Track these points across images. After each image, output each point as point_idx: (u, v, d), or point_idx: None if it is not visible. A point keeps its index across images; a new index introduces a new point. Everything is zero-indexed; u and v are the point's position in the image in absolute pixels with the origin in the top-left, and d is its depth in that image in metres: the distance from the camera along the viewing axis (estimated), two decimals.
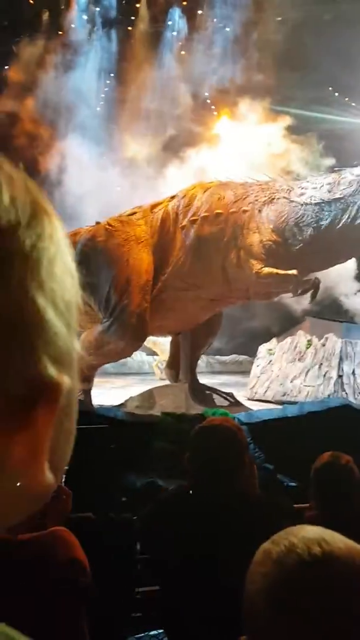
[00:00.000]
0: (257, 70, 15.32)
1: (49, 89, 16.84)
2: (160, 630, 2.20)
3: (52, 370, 0.34)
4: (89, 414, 5.92)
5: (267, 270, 7.16)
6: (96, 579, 1.71)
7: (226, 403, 8.06)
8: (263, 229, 7.33)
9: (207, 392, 8.38)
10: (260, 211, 7.44)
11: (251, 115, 14.14)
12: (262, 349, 12.65)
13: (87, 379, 7.74)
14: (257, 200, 7.53)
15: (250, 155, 12.46)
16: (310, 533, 0.81)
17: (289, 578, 0.77)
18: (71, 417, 0.38)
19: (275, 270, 7.10)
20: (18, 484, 0.33)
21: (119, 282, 7.27)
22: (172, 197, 8.02)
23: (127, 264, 7.34)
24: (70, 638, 1.49)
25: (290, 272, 7.04)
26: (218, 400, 8.18)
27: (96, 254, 7.41)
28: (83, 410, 6.06)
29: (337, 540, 0.80)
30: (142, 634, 2.62)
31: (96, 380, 8.20)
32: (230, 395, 8.47)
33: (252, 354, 13.79)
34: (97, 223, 7.94)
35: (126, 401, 7.98)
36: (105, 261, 7.37)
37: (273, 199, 7.49)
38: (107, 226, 7.67)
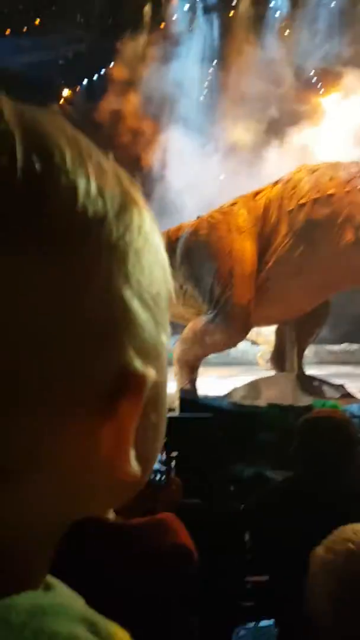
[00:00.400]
0: None
1: (152, 83, 17.13)
2: (271, 621, 2.18)
3: (137, 363, 0.34)
4: (194, 403, 5.99)
5: None
6: (204, 566, 1.72)
7: (337, 395, 7.78)
8: None
9: (316, 383, 8.16)
10: None
11: (358, 89, 13.44)
12: None
13: (192, 369, 7.86)
14: None
15: (356, 130, 11.88)
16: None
17: (353, 583, 0.76)
18: (159, 410, 0.38)
19: None
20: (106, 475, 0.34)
21: (222, 274, 7.28)
22: (275, 183, 7.87)
23: (229, 255, 7.33)
24: (177, 625, 1.52)
25: None
26: (328, 392, 7.92)
27: (199, 248, 7.47)
28: (188, 400, 6.15)
29: None
30: (252, 625, 2.61)
31: (200, 370, 8.29)
32: (341, 386, 8.18)
33: None
34: (199, 217, 8.00)
35: (231, 391, 7.98)
36: (208, 254, 7.41)
37: None
38: (209, 219, 7.72)
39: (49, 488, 0.34)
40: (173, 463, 2.20)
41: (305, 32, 15.98)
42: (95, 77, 19.57)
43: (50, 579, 0.38)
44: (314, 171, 7.57)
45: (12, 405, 0.31)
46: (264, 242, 7.48)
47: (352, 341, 17.60)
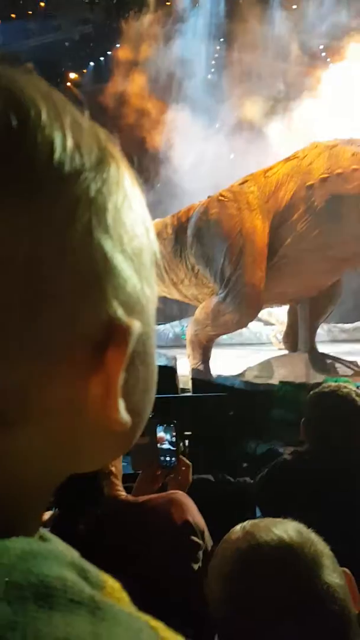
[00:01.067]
0: None
1: (159, 63, 16.92)
2: None
3: (122, 314, 0.35)
4: (208, 383, 6.01)
5: None
6: (215, 542, 1.73)
7: (350, 372, 7.76)
8: None
9: (329, 360, 8.14)
10: None
11: None
12: None
13: (205, 350, 7.86)
14: None
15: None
16: (238, 533, 0.82)
17: (232, 584, 0.78)
18: (146, 363, 0.39)
19: None
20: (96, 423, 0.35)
21: (233, 253, 7.23)
22: (288, 159, 7.77)
23: (240, 233, 7.27)
24: (191, 602, 1.53)
25: None
26: (342, 369, 7.90)
27: (209, 227, 7.42)
28: (202, 380, 6.17)
29: (263, 527, 0.80)
30: None
31: (214, 350, 8.30)
32: (355, 364, 8.15)
33: None
34: (209, 197, 7.93)
35: (245, 371, 7.98)
36: (219, 233, 7.35)
37: None
38: (219, 198, 7.63)
39: (40, 440, 0.34)
40: (186, 442, 2.20)
41: (312, 5, 15.60)
42: (102, 59, 19.39)
43: (46, 533, 0.39)
44: (331, 147, 7.48)
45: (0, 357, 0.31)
46: (278, 219, 7.39)
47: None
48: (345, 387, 1.91)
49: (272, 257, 7.41)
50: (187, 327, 8.31)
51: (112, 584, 0.37)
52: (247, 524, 0.86)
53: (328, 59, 16.08)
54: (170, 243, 7.81)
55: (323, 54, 16.52)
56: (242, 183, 7.74)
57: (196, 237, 7.52)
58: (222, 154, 14.33)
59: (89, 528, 1.56)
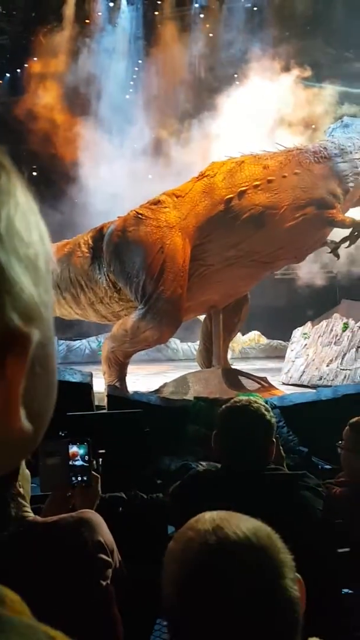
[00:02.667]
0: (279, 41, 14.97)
1: (74, 79, 16.85)
2: None
3: (19, 323, 0.34)
4: (123, 399, 5.98)
5: (350, 218, 8.01)
6: (127, 559, 1.72)
7: (259, 387, 8.02)
8: (322, 184, 7.97)
9: (241, 376, 8.37)
10: (310, 170, 8.01)
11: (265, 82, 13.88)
12: (297, 333, 12.51)
13: (121, 367, 7.82)
14: (301, 162, 8.04)
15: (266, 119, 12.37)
16: (206, 523, 0.81)
17: (192, 574, 0.77)
18: (48, 369, 0.39)
19: (356, 219, 7.98)
20: None
21: (154, 270, 7.28)
22: (199, 177, 8.02)
23: (161, 250, 7.34)
24: (100, 619, 1.51)
25: None
26: (253, 385, 8.14)
27: (128, 244, 7.43)
28: (118, 396, 6.12)
29: (233, 524, 0.80)
30: None
31: (131, 367, 8.27)
32: (264, 379, 8.43)
33: (287, 338, 13.66)
34: (121, 216, 7.97)
35: (161, 387, 8.01)
36: (139, 250, 7.38)
37: (318, 158, 8.14)
38: (137, 215, 7.67)
39: None
40: (100, 460, 2.17)
41: (226, 31, 16.24)
42: (18, 71, 19.02)
43: None
44: (240, 163, 7.95)
45: None
46: (200, 234, 7.57)
47: (276, 338, 18.22)
48: (255, 402, 1.97)
49: (199, 267, 7.58)
50: (102, 343, 8.22)
51: (12, 597, 0.37)
52: (216, 516, 0.85)
53: (237, 82, 16.72)
54: (87, 261, 7.72)
55: (233, 74, 17.11)
56: (158, 201, 7.84)
57: (114, 254, 7.49)
58: (133, 173, 14.40)
59: None
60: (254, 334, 19.08)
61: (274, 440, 1.93)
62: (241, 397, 2.21)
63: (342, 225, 8.02)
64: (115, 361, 7.75)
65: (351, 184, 8.16)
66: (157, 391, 7.86)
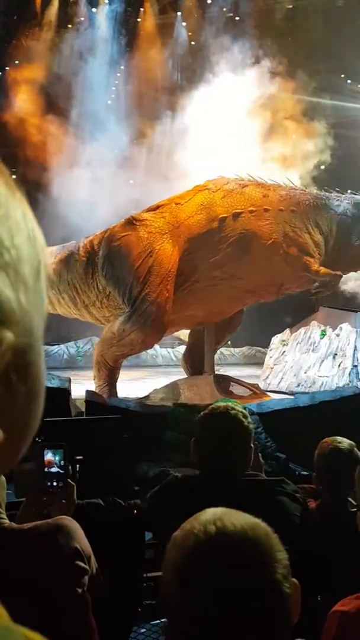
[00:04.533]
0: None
1: (57, 84, 16.78)
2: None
3: None
4: (102, 405, 5.94)
5: (324, 269, 7.99)
6: (103, 566, 1.71)
7: (250, 394, 8.02)
8: (311, 230, 8.05)
9: (233, 383, 8.38)
10: (306, 213, 8.12)
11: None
12: (275, 340, 12.60)
13: (111, 372, 7.77)
14: (300, 202, 8.17)
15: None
16: (208, 514, 0.86)
17: (190, 558, 0.80)
18: (26, 378, 0.38)
19: (331, 271, 8.00)
20: None
21: (141, 273, 7.30)
22: (200, 189, 8.04)
23: (149, 255, 7.37)
24: (76, 627, 1.50)
25: (337, 272, 8.10)
26: (244, 391, 8.14)
27: (120, 248, 7.47)
28: (96, 402, 6.09)
29: (233, 518, 0.84)
30: (155, 622, 2.63)
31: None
32: (256, 386, 8.44)
33: (265, 345, 13.74)
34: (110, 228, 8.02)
35: (151, 393, 7.95)
36: (128, 254, 7.41)
37: (317, 204, 8.27)
38: (131, 221, 7.73)
39: None
40: (77, 467, 2.15)
41: (209, 40, 16.34)
42: None
43: None
44: (243, 186, 8.05)
45: None
46: (190, 245, 7.60)
47: (254, 344, 18.32)
48: (233, 408, 1.97)
49: (184, 281, 7.60)
50: (82, 348, 8.16)
51: None
52: (219, 510, 0.88)
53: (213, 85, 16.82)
54: (82, 265, 7.79)
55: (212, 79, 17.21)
56: (156, 209, 7.89)
57: (107, 258, 7.54)
58: (113, 179, 14.37)
59: None
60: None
61: (252, 446, 1.94)
62: (219, 403, 2.22)
63: (316, 275, 8.07)
64: (105, 365, 7.70)
65: (336, 246, 8.31)
66: (146, 397, 7.81)
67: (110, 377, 7.76)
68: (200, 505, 1.81)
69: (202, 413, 2.00)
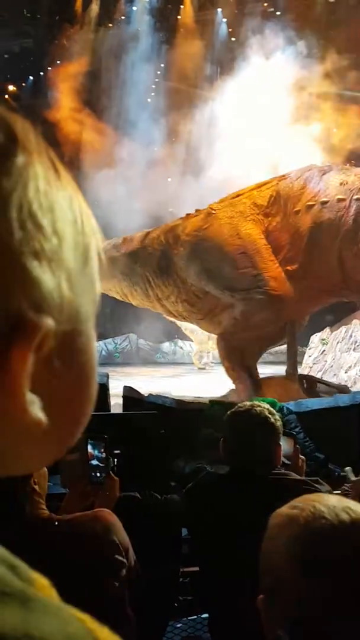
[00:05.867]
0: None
1: (98, 82, 16.95)
2: (205, 616, 2.20)
3: (30, 312, 0.34)
4: (139, 401, 5.97)
5: None
6: (141, 559, 1.72)
7: (336, 393, 7.65)
8: None
9: (318, 383, 7.90)
10: None
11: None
12: (315, 338, 12.42)
13: (247, 367, 7.27)
14: None
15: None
16: (333, 501, 0.84)
17: (319, 542, 0.79)
18: (73, 364, 0.38)
19: None
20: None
21: (237, 257, 7.01)
22: (282, 177, 7.59)
23: (237, 237, 7.11)
24: (112, 619, 1.51)
25: None
26: (329, 391, 7.76)
27: (204, 240, 7.25)
28: (133, 398, 6.12)
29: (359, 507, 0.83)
30: (192, 617, 2.63)
31: (146, 369, 8.26)
32: (345, 387, 7.90)
33: (304, 343, 13.56)
34: (197, 210, 7.73)
35: (228, 393, 7.72)
36: (215, 243, 7.17)
37: None
38: (209, 211, 7.50)
39: None
40: (115, 461, 2.18)
41: (253, 36, 16.18)
42: (41, 73, 19.25)
43: None
44: (323, 172, 7.26)
45: None
46: (269, 237, 7.20)
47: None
48: (258, 405, 1.97)
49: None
50: (119, 344, 8.20)
51: (41, 580, 0.37)
52: (335, 498, 0.88)
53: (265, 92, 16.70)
54: (156, 259, 7.62)
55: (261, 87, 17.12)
56: (236, 197, 7.59)
57: (192, 254, 7.25)
58: (154, 177, 14.43)
59: (5, 546, 1.51)
60: None
61: (280, 443, 1.94)
62: (248, 402, 2.21)
63: None
64: (237, 358, 7.19)
65: None
66: (225, 396, 7.50)
67: (248, 371, 7.21)
68: (229, 501, 1.81)
69: (228, 412, 2.02)
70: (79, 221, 0.38)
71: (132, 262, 7.71)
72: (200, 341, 15.31)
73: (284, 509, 0.87)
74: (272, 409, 1.98)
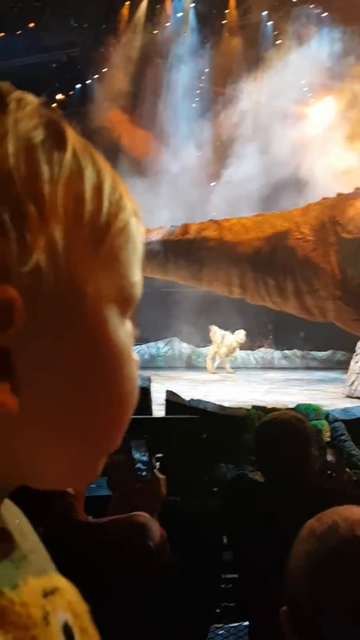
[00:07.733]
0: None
1: (145, 89, 17.12)
2: (245, 623, 2.17)
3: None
4: (181, 405, 5.97)
5: None
6: (181, 565, 1.71)
7: None
8: None
9: None
10: None
11: None
12: None
13: None
14: None
15: None
16: (355, 514, 0.81)
17: (331, 555, 0.77)
18: (75, 345, 0.35)
19: None
20: None
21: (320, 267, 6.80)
22: (325, 199, 7.30)
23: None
24: (150, 624, 1.50)
25: None
26: None
27: (286, 249, 7.02)
28: (175, 402, 6.13)
29: None
30: (234, 624, 2.60)
31: (190, 374, 8.25)
32: None
33: (351, 349, 13.26)
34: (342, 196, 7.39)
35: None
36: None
37: None
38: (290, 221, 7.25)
39: None
40: (157, 464, 2.18)
41: (300, 44, 16.04)
42: (88, 82, 19.61)
43: None
44: None
45: None
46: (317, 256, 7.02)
47: (339, 348, 17.72)
48: (285, 413, 1.95)
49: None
50: (162, 348, 8.18)
51: (33, 584, 0.36)
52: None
53: (309, 94, 16.53)
54: (310, 247, 6.93)
55: (305, 89, 16.95)
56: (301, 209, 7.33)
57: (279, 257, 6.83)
58: (201, 181, 14.46)
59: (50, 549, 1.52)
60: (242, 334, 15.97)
61: (313, 450, 1.91)
62: (301, 408, 2.18)
63: None
64: None
65: None
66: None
67: None
68: (265, 511, 1.79)
69: (262, 420, 2.01)
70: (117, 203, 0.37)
71: (268, 251, 6.86)
72: (218, 343, 14.99)
73: (310, 521, 0.85)
74: (300, 416, 1.95)
